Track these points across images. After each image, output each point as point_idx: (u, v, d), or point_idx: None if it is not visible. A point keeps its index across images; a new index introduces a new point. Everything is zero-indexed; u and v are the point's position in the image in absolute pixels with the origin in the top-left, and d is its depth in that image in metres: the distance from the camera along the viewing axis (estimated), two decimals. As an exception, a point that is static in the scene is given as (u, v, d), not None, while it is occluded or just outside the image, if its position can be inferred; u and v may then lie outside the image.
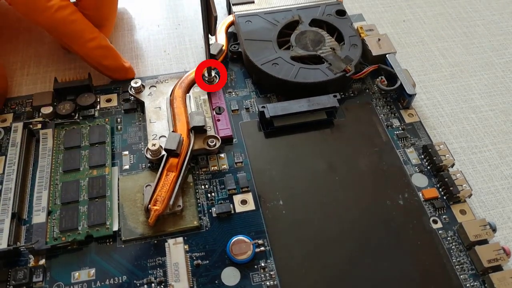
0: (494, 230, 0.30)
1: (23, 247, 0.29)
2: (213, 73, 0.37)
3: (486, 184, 0.34)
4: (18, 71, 0.40)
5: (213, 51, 0.38)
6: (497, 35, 0.45)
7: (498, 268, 0.29)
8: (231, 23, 0.42)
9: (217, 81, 0.37)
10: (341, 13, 0.41)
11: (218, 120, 0.35)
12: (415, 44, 0.44)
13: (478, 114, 0.39)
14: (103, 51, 0.37)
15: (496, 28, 0.46)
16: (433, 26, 0.46)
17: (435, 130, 0.37)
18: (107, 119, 0.35)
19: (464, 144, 0.37)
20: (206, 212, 0.31)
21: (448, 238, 0.30)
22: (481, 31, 0.46)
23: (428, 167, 0.34)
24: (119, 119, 0.36)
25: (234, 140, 0.35)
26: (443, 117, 0.38)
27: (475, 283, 0.28)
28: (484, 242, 0.30)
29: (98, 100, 0.37)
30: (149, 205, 0.30)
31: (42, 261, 0.28)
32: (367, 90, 0.39)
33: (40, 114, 0.35)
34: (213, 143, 0.33)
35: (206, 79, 0.37)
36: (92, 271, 0.28)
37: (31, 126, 0.34)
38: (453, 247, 0.30)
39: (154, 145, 0.32)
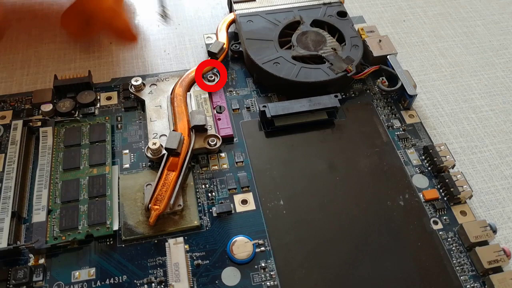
0: (494, 231, 0.30)
1: (23, 246, 0.28)
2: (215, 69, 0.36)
3: (486, 184, 0.34)
4: (18, 71, 0.40)
5: (214, 49, 0.38)
6: (497, 35, 0.45)
7: (498, 270, 0.29)
8: (232, 21, 0.42)
9: (217, 80, 0.37)
10: (342, 14, 0.41)
11: (219, 119, 0.35)
12: (415, 44, 0.44)
13: (478, 114, 0.39)
14: (115, 13, 0.38)
15: (496, 28, 0.46)
16: (433, 26, 0.46)
17: (435, 130, 0.37)
18: (107, 117, 0.35)
19: (464, 144, 0.37)
20: (206, 211, 0.31)
21: (449, 239, 0.30)
22: (481, 31, 0.46)
23: (429, 168, 0.34)
24: (119, 117, 0.36)
25: (234, 139, 0.35)
26: (443, 117, 0.38)
27: (476, 284, 0.28)
28: (485, 243, 0.30)
29: (98, 98, 0.37)
30: (150, 205, 0.30)
31: (42, 260, 0.28)
32: (368, 91, 0.39)
33: (40, 111, 0.35)
34: (214, 142, 0.33)
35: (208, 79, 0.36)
36: (92, 270, 0.28)
37: (31, 123, 0.34)
38: (453, 248, 0.30)
39: (154, 144, 0.32)
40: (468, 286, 0.28)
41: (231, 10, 0.43)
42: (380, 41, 0.39)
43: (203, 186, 0.32)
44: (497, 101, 0.40)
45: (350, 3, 0.47)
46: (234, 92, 0.38)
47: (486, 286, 0.28)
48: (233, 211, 0.31)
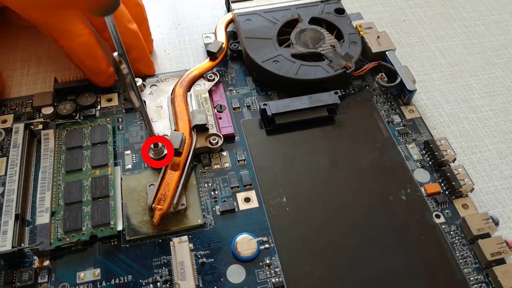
0: (496, 223, 0.30)
1: (28, 249, 0.28)
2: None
3: (486, 184, 0.34)
4: (18, 71, 0.40)
5: (213, 49, 0.38)
6: (497, 35, 0.45)
7: (501, 261, 0.29)
8: (230, 21, 0.42)
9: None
10: (340, 11, 0.41)
11: (220, 118, 0.35)
12: (415, 44, 0.44)
13: (478, 114, 0.39)
14: (88, 50, 0.35)
15: (496, 28, 0.46)
16: (433, 26, 0.46)
17: (435, 130, 0.37)
18: (108, 119, 0.35)
19: (464, 144, 0.37)
20: (210, 210, 0.31)
21: (451, 233, 0.30)
22: (481, 31, 0.46)
23: (430, 162, 0.34)
24: (120, 119, 0.36)
25: (236, 138, 0.35)
26: (443, 117, 0.38)
27: (479, 277, 0.29)
28: (487, 235, 0.30)
29: (99, 99, 0.37)
30: (153, 205, 0.30)
31: (47, 262, 0.28)
32: (367, 87, 0.39)
33: (41, 114, 0.35)
34: (215, 141, 0.33)
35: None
36: (97, 271, 0.28)
37: (32, 126, 0.34)
38: (456, 241, 0.30)
39: (156, 144, 0.32)
40: (471, 278, 0.29)
41: (229, 9, 0.43)
42: (378, 37, 0.40)
43: (206, 185, 0.32)
44: (497, 101, 0.40)
45: (350, 3, 0.48)
46: (234, 91, 0.38)
47: (489, 278, 0.29)
48: (236, 209, 0.31)
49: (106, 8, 0.22)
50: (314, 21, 0.41)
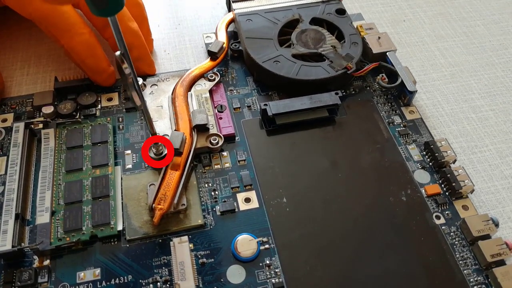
0: (496, 225, 0.30)
1: (28, 248, 0.28)
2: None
3: (486, 184, 0.34)
4: (18, 71, 0.40)
5: (214, 49, 0.38)
6: (497, 35, 0.45)
7: (501, 263, 0.29)
8: (231, 20, 0.42)
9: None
10: (341, 12, 0.41)
11: (220, 118, 0.35)
12: (415, 44, 0.44)
13: (478, 114, 0.39)
14: (89, 48, 0.35)
15: (496, 28, 0.46)
16: (433, 26, 0.46)
17: (435, 130, 0.37)
18: (108, 118, 0.35)
19: (464, 144, 0.37)
20: (210, 210, 0.31)
21: (451, 234, 0.30)
22: (481, 31, 0.46)
23: (430, 163, 0.34)
24: (120, 118, 0.36)
25: (236, 138, 0.35)
26: (443, 117, 0.38)
27: (479, 278, 0.29)
28: (487, 237, 0.30)
29: (99, 99, 0.37)
30: (154, 204, 0.30)
31: (47, 262, 0.28)
32: (368, 88, 0.39)
33: (41, 113, 0.35)
34: (216, 141, 0.33)
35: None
36: (97, 271, 0.28)
37: (32, 126, 0.34)
38: (456, 242, 0.30)
39: (156, 143, 0.32)
40: (471, 279, 0.29)
41: (229, 9, 0.43)
42: (379, 38, 0.40)
43: (206, 185, 0.32)
44: (497, 101, 0.40)
45: (350, 3, 0.48)
46: (234, 91, 0.38)
47: (489, 280, 0.29)
48: (236, 210, 0.31)
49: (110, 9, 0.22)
50: (315, 21, 0.41)
